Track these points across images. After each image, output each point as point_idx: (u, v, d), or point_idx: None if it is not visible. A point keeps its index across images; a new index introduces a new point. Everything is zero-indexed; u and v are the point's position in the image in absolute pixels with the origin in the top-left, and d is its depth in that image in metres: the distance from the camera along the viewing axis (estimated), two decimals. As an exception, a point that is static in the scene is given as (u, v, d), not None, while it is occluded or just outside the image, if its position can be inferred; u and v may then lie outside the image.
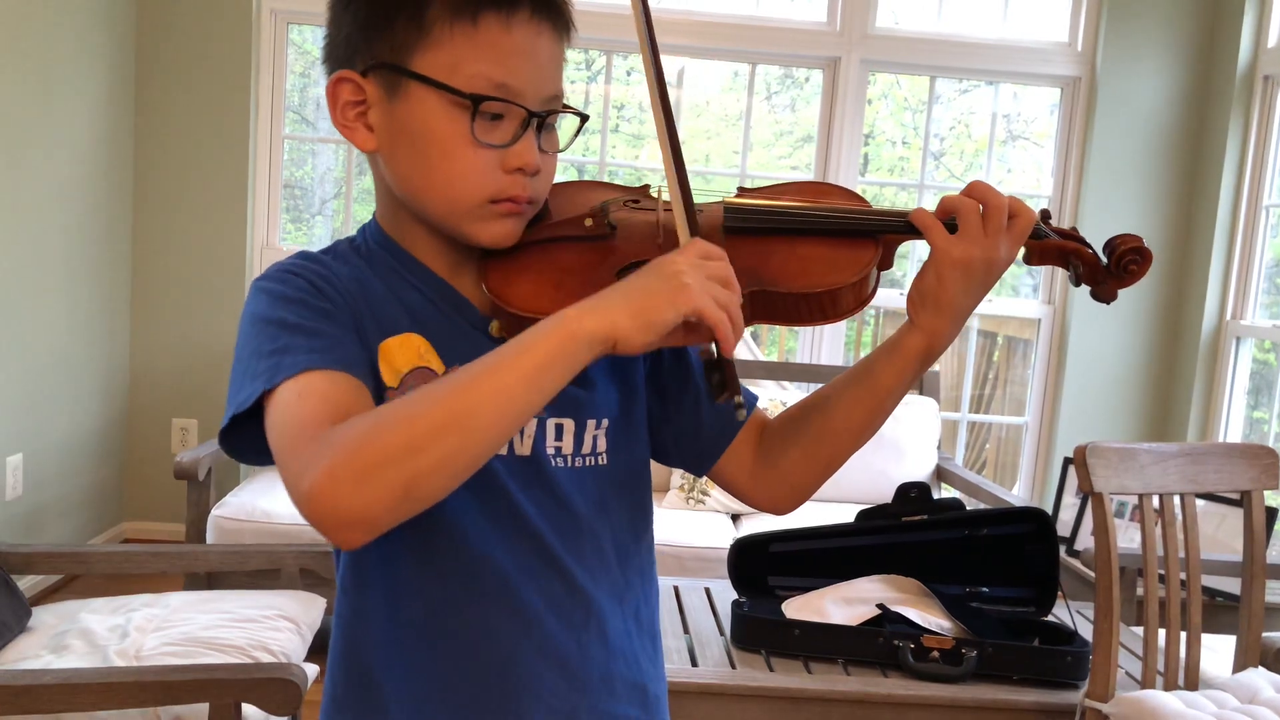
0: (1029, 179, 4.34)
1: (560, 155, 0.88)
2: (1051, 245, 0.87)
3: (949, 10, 3.81)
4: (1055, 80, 3.81)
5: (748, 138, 3.90)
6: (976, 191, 0.82)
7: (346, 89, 0.82)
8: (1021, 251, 0.85)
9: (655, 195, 0.90)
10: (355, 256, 0.86)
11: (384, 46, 0.80)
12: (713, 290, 0.71)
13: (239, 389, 0.77)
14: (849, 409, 0.88)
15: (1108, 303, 0.89)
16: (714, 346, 0.73)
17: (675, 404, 0.93)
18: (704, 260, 0.73)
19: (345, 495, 0.66)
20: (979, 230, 0.81)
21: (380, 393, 0.80)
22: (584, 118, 0.88)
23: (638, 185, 0.93)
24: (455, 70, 0.78)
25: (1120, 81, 3.69)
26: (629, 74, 4.80)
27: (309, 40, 4.11)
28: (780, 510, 0.95)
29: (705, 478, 0.97)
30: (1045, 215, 0.89)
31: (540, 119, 0.82)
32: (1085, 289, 0.90)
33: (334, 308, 0.79)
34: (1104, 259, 0.88)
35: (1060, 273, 3.73)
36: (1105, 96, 3.69)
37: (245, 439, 0.79)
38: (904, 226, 0.85)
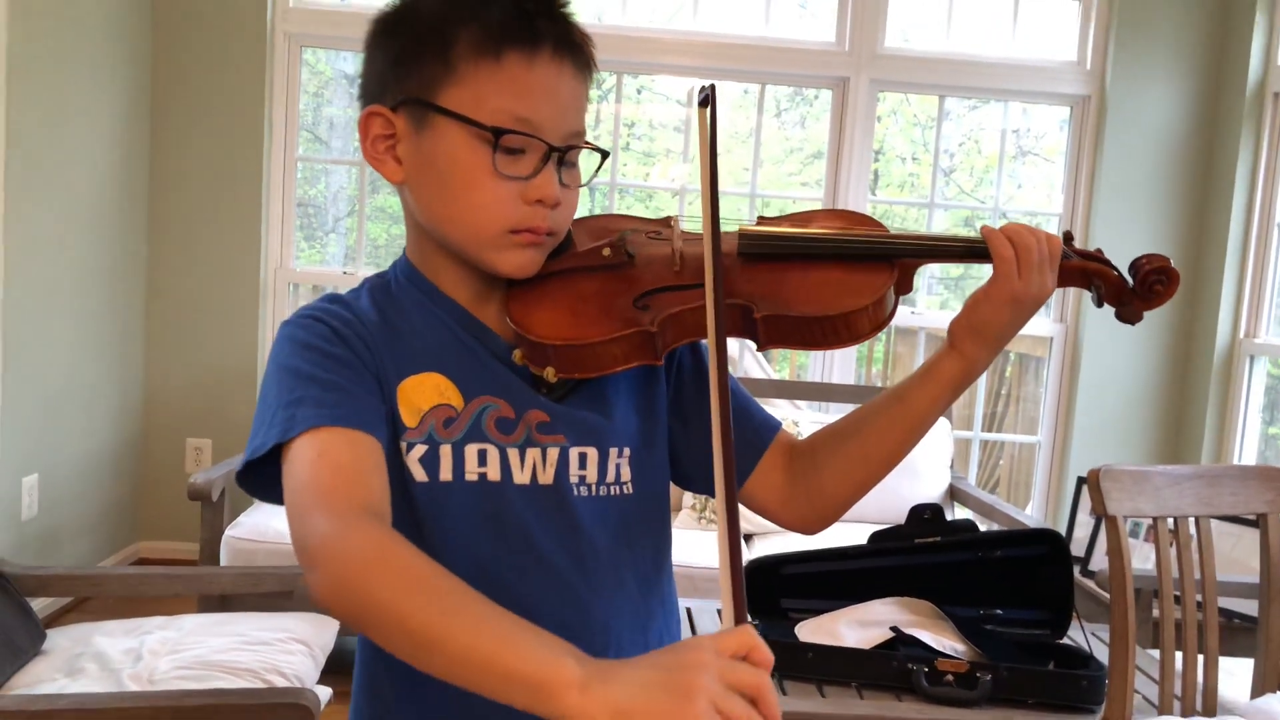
0: (1039, 195, 4.33)
1: None
2: (1074, 266, 0.88)
3: (957, 30, 3.82)
4: (1065, 99, 3.82)
5: (758, 154, 3.91)
6: (1018, 231, 0.84)
7: (377, 123, 0.85)
8: None
9: (674, 226, 0.91)
10: (383, 293, 0.89)
11: (413, 82, 0.83)
12: (731, 710, 0.59)
13: (256, 435, 0.79)
14: (882, 434, 0.90)
15: (1133, 324, 0.90)
16: None
17: (698, 430, 0.94)
18: (733, 663, 0.61)
19: (322, 593, 0.69)
20: (1032, 267, 0.83)
21: (399, 433, 0.82)
22: (605, 154, 0.90)
23: (658, 216, 0.94)
24: (479, 105, 0.81)
25: (1130, 100, 3.69)
26: (639, 92, 4.83)
27: (322, 62, 4.15)
28: (810, 530, 0.96)
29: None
30: (1068, 237, 0.89)
31: (561, 154, 0.84)
32: (1109, 309, 0.90)
33: (354, 354, 0.82)
34: (1129, 280, 0.88)
35: (1073, 290, 3.72)
36: (1115, 115, 3.69)
37: (261, 480, 0.80)
38: (926, 250, 0.86)
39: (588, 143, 0.87)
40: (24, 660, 1.91)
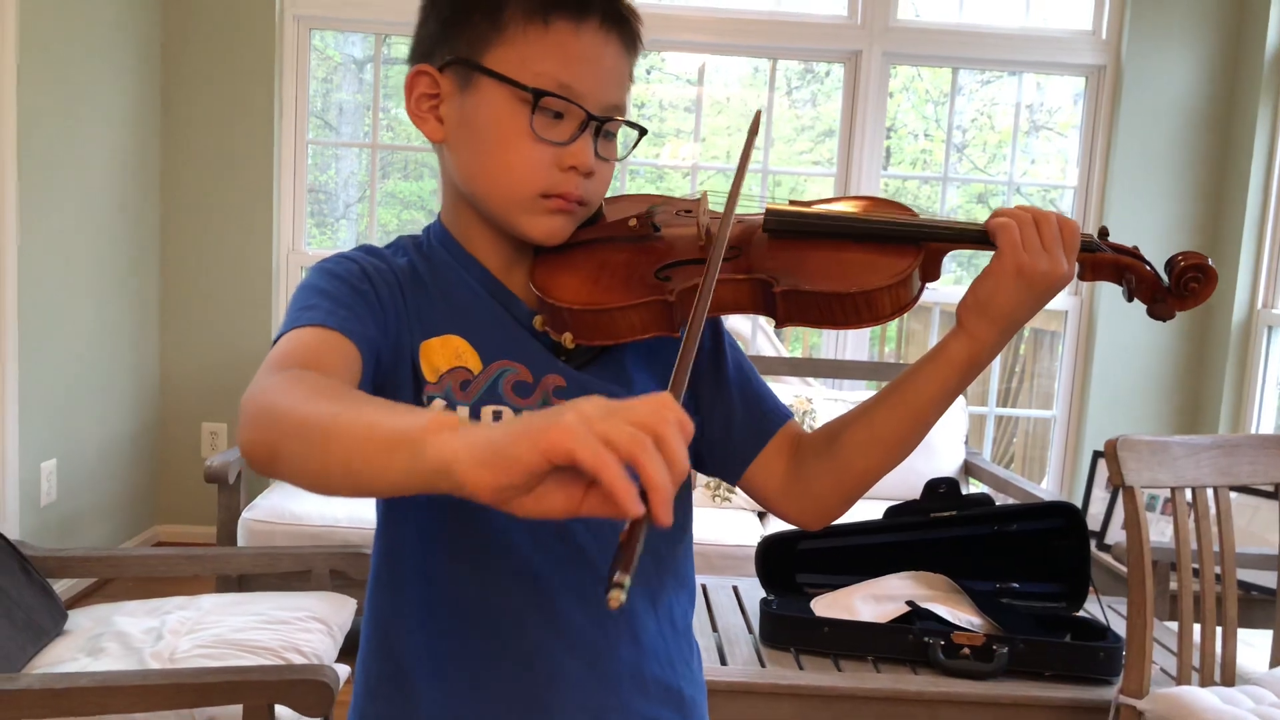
0: (1054, 169, 4.30)
1: None
2: (1105, 259, 0.87)
3: (970, 1, 3.78)
4: (1079, 69, 3.78)
5: (769, 133, 3.88)
6: (1024, 209, 0.83)
7: (423, 81, 0.87)
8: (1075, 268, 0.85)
9: (703, 202, 0.91)
10: (415, 252, 0.90)
11: (461, 43, 0.84)
12: (610, 430, 0.52)
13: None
14: (886, 418, 0.88)
15: (1165, 320, 0.87)
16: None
17: (709, 411, 0.94)
18: (630, 404, 0.54)
19: (243, 434, 0.68)
20: (1036, 242, 0.81)
21: (420, 387, 0.84)
22: (643, 131, 0.91)
23: (690, 195, 0.95)
24: (523, 67, 0.82)
25: (1146, 69, 3.64)
26: (649, 72, 4.80)
27: (331, 45, 4.14)
28: (808, 524, 0.94)
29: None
30: (1104, 232, 0.88)
31: (599, 124, 0.85)
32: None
33: (375, 294, 0.83)
34: (1164, 277, 0.86)
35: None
36: (1131, 85, 3.65)
37: None
38: (953, 234, 0.85)
39: (626, 120, 0.88)
40: (46, 641, 1.94)
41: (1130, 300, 0.88)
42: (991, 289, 0.82)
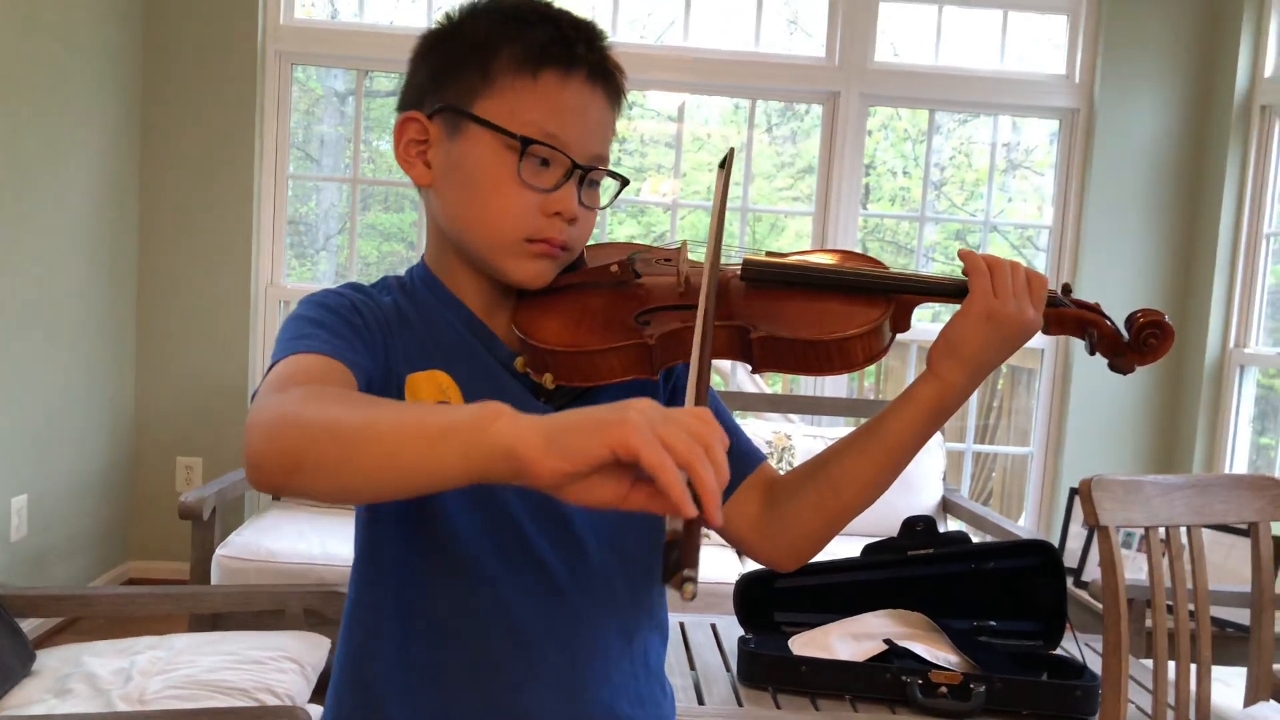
0: (1030, 208, 4.35)
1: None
2: (1069, 314, 0.91)
3: (947, 44, 3.85)
4: (1053, 112, 3.84)
5: (749, 170, 3.92)
6: (991, 257, 0.86)
7: (412, 128, 0.89)
8: None
9: (683, 251, 0.94)
10: (399, 291, 0.92)
11: (451, 92, 0.87)
12: (669, 435, 0.57)
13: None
14: (856, 461, 0.89)
15: (1124, 374, 0.92)
16: (677, 521, 0.58)
17: None
18: (680, 413, 0.59)
19: (255, 443, 0.67)
20: (1007, 288, 0.84)
21: None
22: (625, 182, 0.94)
23: (663, 243, 0.98)
24: (512, 116, 0.85)
25: (1118, 113, 3.71)
26: (630, 108, 4.84)
27: (313, 78, 4.16)
28: (781, 564, 0.95)
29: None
30: (1067, 289, 0.92)
31: (584, 173, 0.87)
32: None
33: (365, 328, 0.84)
34: (1124, 333, 0.90)
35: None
36: (1104, 128, 3.71)
37: None
38: (923, 288, 0.88)
39: (609, 170, 0.91)
40: (13, 682, 1.90)
41: (1092, 354, 0.92)
42: (961, 332, 0.85)
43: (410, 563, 0.85)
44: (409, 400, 0.85)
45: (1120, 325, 0.91)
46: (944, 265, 4.49)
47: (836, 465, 0.90)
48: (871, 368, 5.27)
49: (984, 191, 4.04)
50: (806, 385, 4.01)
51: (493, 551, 0.84)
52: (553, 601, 0.85)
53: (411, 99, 0.90)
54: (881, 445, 0.88)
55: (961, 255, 0.87)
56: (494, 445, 0.59)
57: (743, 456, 0.96)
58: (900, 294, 0.88)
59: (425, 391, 0.85)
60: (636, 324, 0.86)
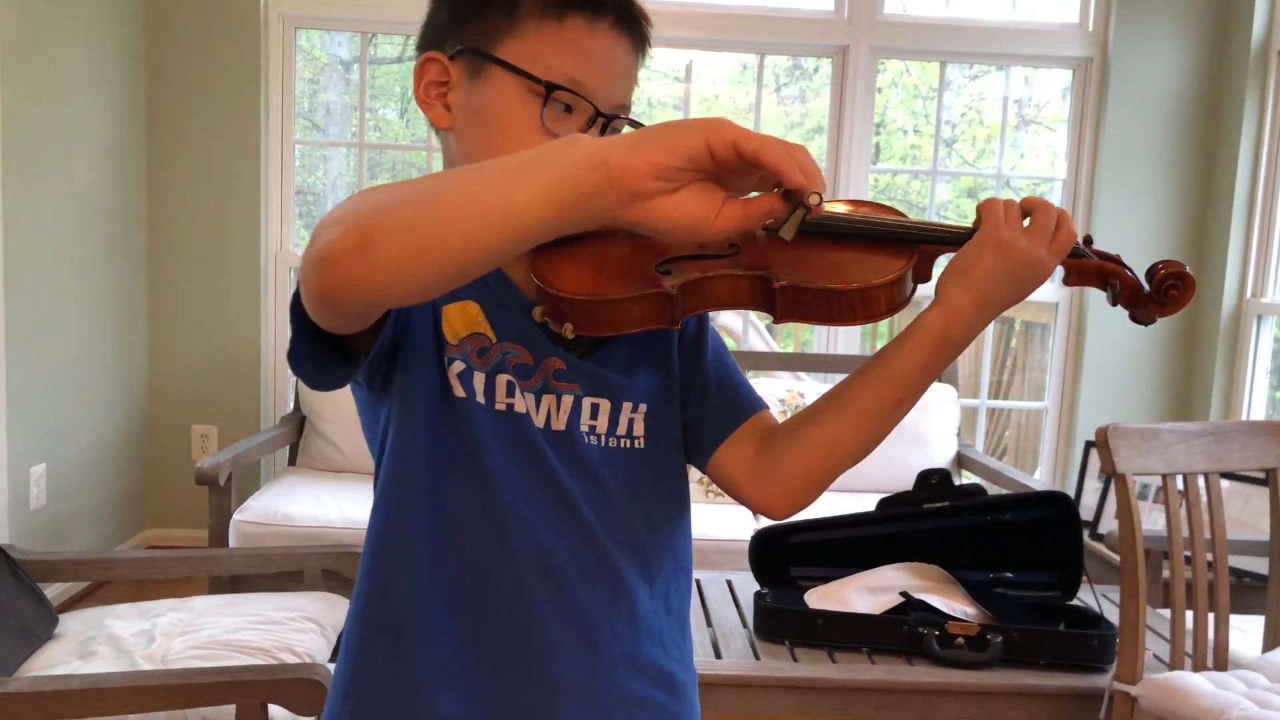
0: (1042, 163, 4.31)
1: None
2: (1090, 265, 0.90)
3: (957, -5, 3.79)
4: (1067, 62, 3.78)
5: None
6: (1030, 199, 0.86)
7: (433, 68, 0.87)
8: (1060, 272, 0.88)
9: None
10: None
11: (474, 33, 0.85)
12: (763, 136, 0.63)
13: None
14: (858, 393, 0.88)
15: (1145, 325, 0.92)
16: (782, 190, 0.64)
17: (685, 394, 0.95)
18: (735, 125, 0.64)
19: (327, 230, 0.65)
20: (1018, 220, 0.84)
21: (442, 348, 0.84)
22: None
23: None
24: (536, 60, 0.83)
25: (1132, 61, 3.65)
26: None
27: (317, 46, 4.13)
28: (774, 509, 0.93)
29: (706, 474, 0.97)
30: (1089, 240, 0.92)
31: (606, 121, 0.86)
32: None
33: None
34: (1145, 284, 0.90)
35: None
36: (1118, 77, 3.66)
37: (308, 358, 0.78)
38: (946, 237, 0.88)
39: (630, 119, 0.89)
40: (37, 645, 1.92)
41: (1114, 305, 0.91)
42: (971, 257, 0.84)
43: (439, 488, 0.84)
44: (445, 328, 0.84)
45: (1141, 277, 0.90)
46: (957, 222, 4.45)
47: (836, 397, 0.89)
48: (884, 327, 5.24)
49: (996, 148, 3.99)
50: (819, 344, 3.99)
51: (519, 478, 0.84)
52: (577, 535, 0.85)
53: (433, 39, 0.89)
54: (883, 376, 0.87)
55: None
56: (582, 157, 0.61)
57: (743, 400, 0.96)
58: (923, 244, 0.87)
59: (459, 323, 0.85)
60: (657, 273, 0.85)
